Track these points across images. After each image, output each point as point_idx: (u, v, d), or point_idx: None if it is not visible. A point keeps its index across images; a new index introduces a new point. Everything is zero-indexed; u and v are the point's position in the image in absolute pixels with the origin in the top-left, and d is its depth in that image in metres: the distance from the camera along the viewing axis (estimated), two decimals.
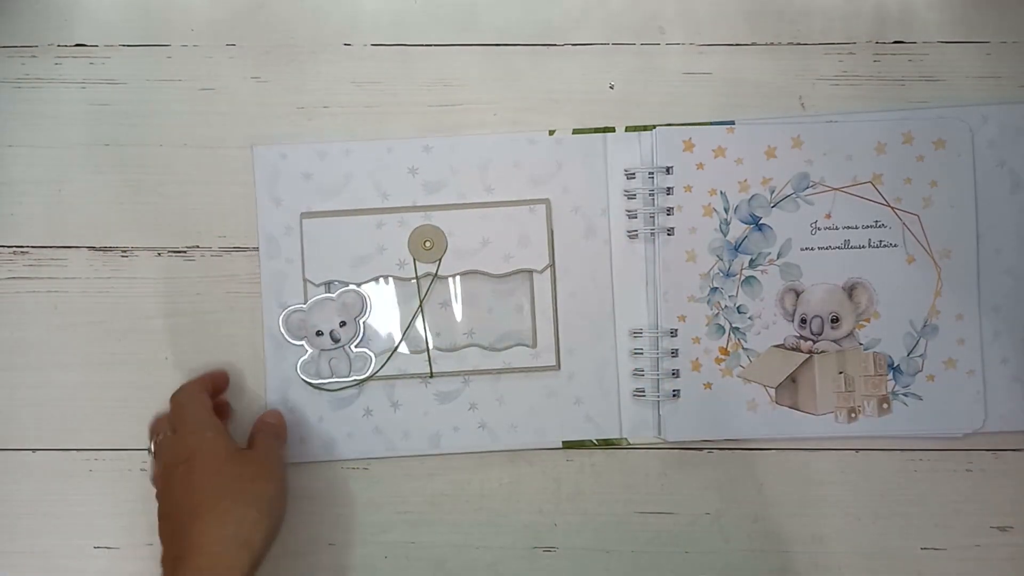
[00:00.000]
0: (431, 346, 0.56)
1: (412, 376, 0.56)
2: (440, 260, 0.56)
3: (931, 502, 0.56)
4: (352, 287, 0.56)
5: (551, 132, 0.57)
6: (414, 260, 0.56)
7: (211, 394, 0.54)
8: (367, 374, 0.56)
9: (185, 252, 0.57)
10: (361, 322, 0.56)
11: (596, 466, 0.57)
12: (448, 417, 0.57)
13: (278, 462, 0.53)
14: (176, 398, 0.53)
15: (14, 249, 0.57)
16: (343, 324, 0.56)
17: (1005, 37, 0.58)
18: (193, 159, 0.57)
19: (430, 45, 0.58)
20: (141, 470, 0.56)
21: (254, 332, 0.57)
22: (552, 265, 0.57)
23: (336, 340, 0.56)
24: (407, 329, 0.57)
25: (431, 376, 0.57)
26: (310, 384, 0.56)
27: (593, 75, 0.58)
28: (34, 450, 0.57)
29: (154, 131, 0.57)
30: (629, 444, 0.57)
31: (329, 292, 0.56)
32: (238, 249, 0.57)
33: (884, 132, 0.56)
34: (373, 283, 0.57)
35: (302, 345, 0.56)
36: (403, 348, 0.57)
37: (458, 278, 0.57)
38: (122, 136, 0.57)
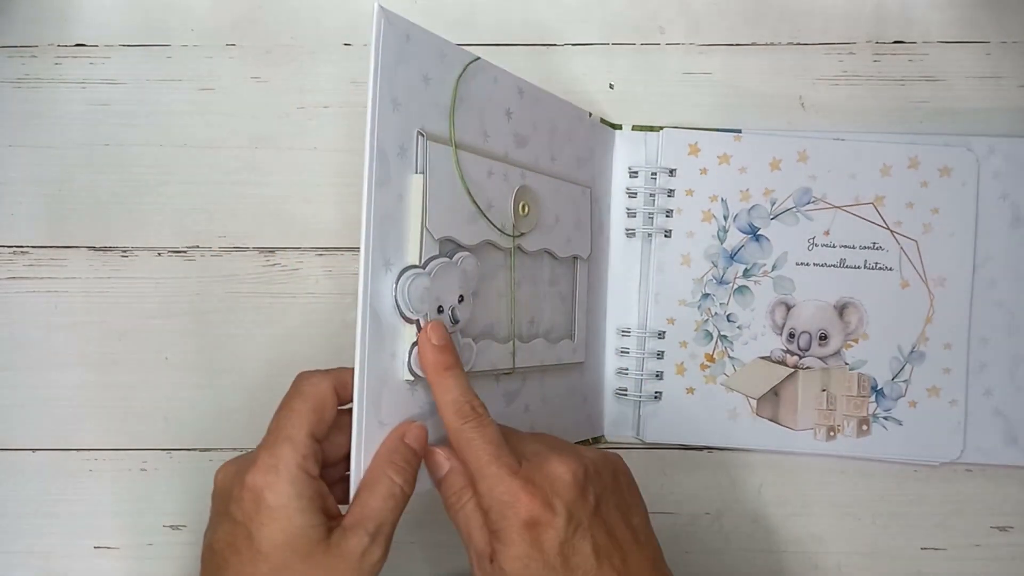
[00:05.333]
0: (515, 334, 0.47)
1: (500, 372, 0.46)
2: (529, 233, 0.47)
3: (931, 502, 0.56)
4: (467, 252, 0.43)
5: (590, 114, 0.55)
6: (514, 226, 0.46)
7: (333, 407, 0.41)
8: (471, 367, 0.44)
9: (185, 252, 0.57)
10: (473, 301, 0.43)
11: None
12: (509, 421, 0.46)
13: (384, 549, 0.39)
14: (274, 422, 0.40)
15: (14, 249, 0.57)
16: (461, 300, 0.42)
17: (1005, 37, 0.58)
18: (193, 159, 0.57)
19: None
20: (141, 470, 0.56)
21: (255, 332, 0.57)
22: (591, 255, 0.54)
23: (455, 321, 0.42)
24: (509, 311, 0.46)
25: (512, 371, 0.47)
26: (420, 377, 0.40)
27: (593, 75, 0.58)
28: (34, 450, 0.57)
29: (154, 131, 0.57)
30: (607, 442, 0.57)
31: (444, 254, 0.42)
32: (238, 249, 0.57)
33: (891, 155, 0.56)
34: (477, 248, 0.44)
35: (416, 325, 0.40)
36: (490, 336, 0.46)
37: (533, 256, 0.49)
38: (122, 136, 0.57)
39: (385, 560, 0.39)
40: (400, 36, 0.40)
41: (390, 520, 0.39)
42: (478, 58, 0.44)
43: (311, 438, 0.39)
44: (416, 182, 0.40)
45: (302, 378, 0.41)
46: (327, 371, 0.41)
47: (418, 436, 0.40)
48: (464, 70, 0.43)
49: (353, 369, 0.38)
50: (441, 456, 0.41)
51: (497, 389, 0.47)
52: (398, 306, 0.39)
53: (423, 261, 0.40)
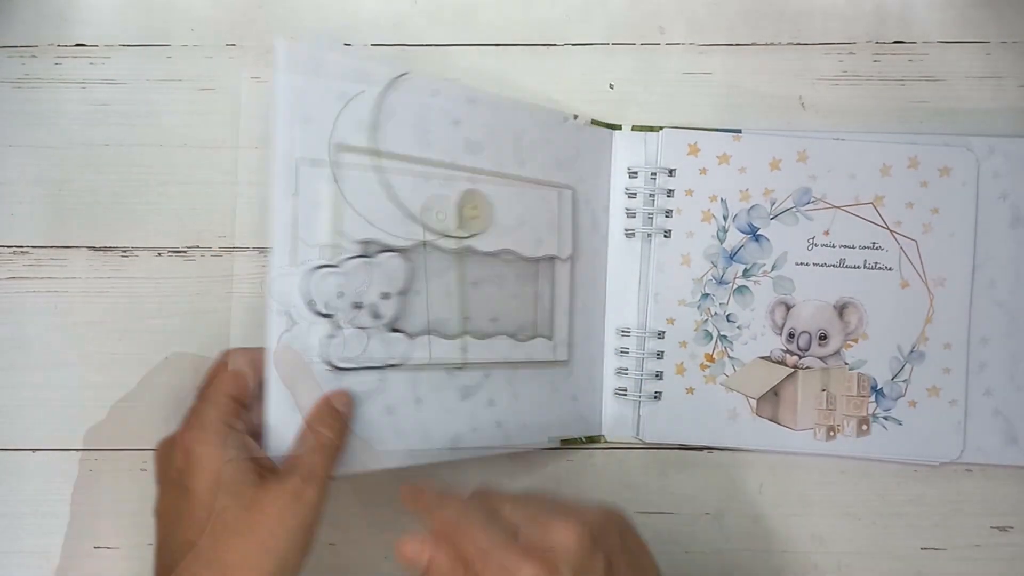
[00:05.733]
0: (466, 330, 0.50)
1: (446, 365, 0.49)
2: (481, 234, 0.50)
3: (931, 502, 0.56)
4: (394, 252, 0.46)
5: (575, 116, 0.56)
6: (458, 228, 0.49)
7: (252, 376, 0.45)
8: (401, 360, 0.47)
9: (185, 252, 0.57)
10: (402, 298, 0.47)
11: (596, 466, 0.57)
12: (468, 415, 0.50)
13: (317, 491, 0.41)
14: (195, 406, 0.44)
15: (14, 249, 0.57)
16: (385, 296, 0.46)
17: (1005, 37, 0.58)
18: (193, 159, 0.57)
19: (430, 45, 0.58)
20: (141, 470, 0.56)
21: (257, 333, 0.56)
22: (572, 255, 0.55)
23: (378, 317, 0.45)
24: (457, 310, 0.50)
25: (464, 365, 0.49)
26: (341, 369, 0.45)
27: (593, 75, 0.58)
28: (34, 450, 0.57)
29: (154, 131, 0.57)
30: (607, 442, 0.57)
31: (363, 253, 0.45)
32: (238, 249, 0.57)
33: (890, 155, 0.56)
34: (413, 250, 0.48)
35: (331, 319, 0.44)
36: (434, 332, 0.49)
37: (490, 257, 0.51)
38: (122, 136, 0.57)
39: (322, 506, 0.41)
40: (311, 61, 0.44)
41: (321, 465, 0.42)
42: (406, 73, 0.47)
43: (232, 400, 0.44)
44: (328, 190, 0.45)
45: (224, 352, 0.47)
46: (249, 348, 0.46)
47: (341, 399, 0.44)
48: (390, 85, 0.47)
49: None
50: (415, 545, 0.39)
51: (450, 383, 0.49)
52: (313, 301, 0.44)
53: (338, 260, 0.44)
